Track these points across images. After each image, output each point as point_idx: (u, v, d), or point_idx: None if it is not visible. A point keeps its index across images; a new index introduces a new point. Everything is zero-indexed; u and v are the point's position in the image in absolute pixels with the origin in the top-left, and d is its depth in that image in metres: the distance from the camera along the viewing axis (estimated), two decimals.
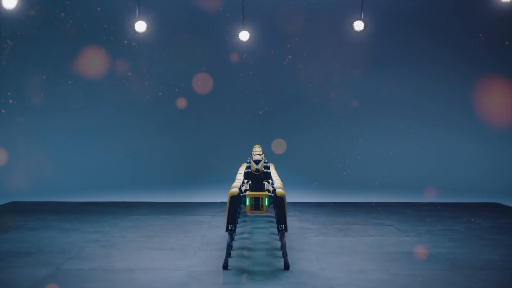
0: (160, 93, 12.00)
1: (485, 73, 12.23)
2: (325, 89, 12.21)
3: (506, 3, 9.74)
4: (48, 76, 11.95)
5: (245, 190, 6.15)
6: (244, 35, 11.00)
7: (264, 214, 8.78)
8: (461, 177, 11.80)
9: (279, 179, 7.50)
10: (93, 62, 12.08)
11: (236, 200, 5.99)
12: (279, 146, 11.09)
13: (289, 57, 12.23)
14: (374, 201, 10.21)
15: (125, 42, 11.73)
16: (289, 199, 8.78)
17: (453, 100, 12.24)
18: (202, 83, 12.03)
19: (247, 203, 5.95)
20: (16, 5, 8.76)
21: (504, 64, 12.21)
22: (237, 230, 7.54)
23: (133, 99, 12.15)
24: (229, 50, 11.95)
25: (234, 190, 6.06)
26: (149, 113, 12.18)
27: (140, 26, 10.49)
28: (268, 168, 6.60)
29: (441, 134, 12.22)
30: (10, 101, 11.91)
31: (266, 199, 5.96)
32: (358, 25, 10.74)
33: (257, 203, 5.95)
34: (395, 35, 12.23)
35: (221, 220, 8.25)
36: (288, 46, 12.13)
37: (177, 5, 12.03)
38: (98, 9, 11.69)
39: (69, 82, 11.99)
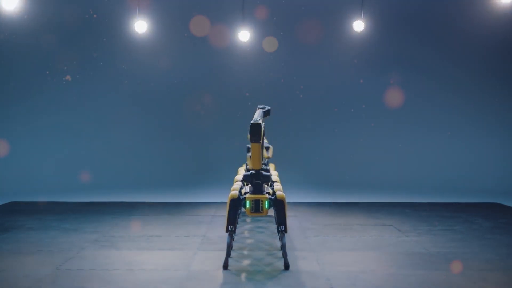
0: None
1: (485, 73, 12.24)
2: (324, 89, 12.21)
3: (506, 3, 9.76)
4: (48, 75, 11.95)
5: (245, 193, 6.15)
6: (244, 35, 11.00)
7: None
8: (461, 177, 11.80)
9: (279, 180, 7.51)
10: (93, 61, 12.08)
11: (236, 203, 5.99)
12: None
13: (291, 57, 12.24)
14: (374, 201, 10.20)
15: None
16: (289, 199, 8.78)
17: (454, 100, 12.24)
18: (203, 82, 12.04)
19: (247, 206, 5.96)
20: (16, 5, 8.78)
21: (504, 64, 12.22)
22: (237, 230, 7.54)
23: (134, 99, 12.15)
24: (229, 50, 11.95)
25: (234, 192, 6.06)
26: (149, 113, 12.19)
27: (140, 26, 10.50)
28: (268, 171, 6.61)
29: (441, 134, 12.23)
30: (12, 96, 11.91)
31: (266, 201, 5.97)
32: (358, 25, 10.75)
33: (257, 206, 5.97)
34: (395, 35, 12.23)
35: (221, 220, 8.25)
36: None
37: (176, 5, 12.04)
38: (95, 16, 11.71)
39: (70, 81, 11.99)
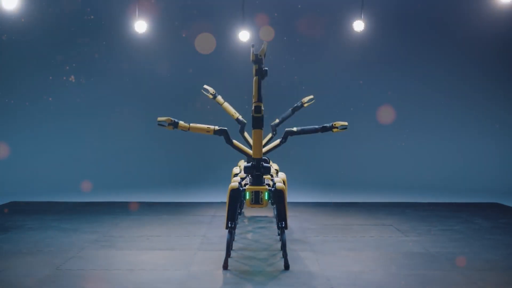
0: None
1: (486, 73, 12.24)
2: (324, 89, 12.21)
3: (507, 3, 9.76)
4: (48, 75, 11.95)
5: (245, 184, 6.15)
6: (244, 35, 11.00)
7: (264, 212, 8.82)
8: (461, 177, 11.79)
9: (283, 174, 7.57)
10: (94, 62, 12.09)
11: (236, 194, 5.99)
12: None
13: (292, 58, 12.24)
14: (374, 201, 10.18)
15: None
16: (289, 199, 8.78)
17: (454, 100, 12.25)
18: (203, 82, 12.03)
19: (247, 197, 5.96)
20: (16, 6, 8.78)
21: (505, 64, 12.22)
22: (237, 231, 7.54)
23: (133, 99, 12.15)
24: (228, 50, 11.95)
25: (234, 184, 6.06)
26: (149, 113, 12.18)
27: (140, 26, 10.50)
28: (267, 162, 6.60)
29: (441, 134, 12.23)
30: (12, 101, 11.92)
31: (266, 193, 5.96)
32: (358, 25, 10.74)
33: (257, 197, 5.96)
34: (395, 35, 12.24)
35: (221, 220, 8.25)
36: (285, 38, 12.10)
37: (176, 4, 12.05)
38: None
39: (70, 81, 12.00)
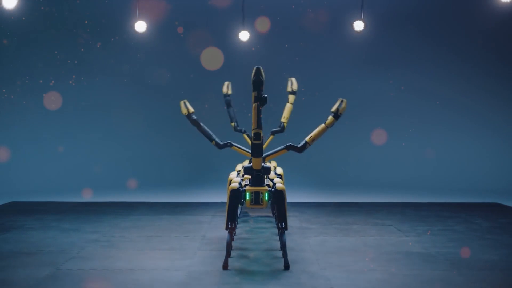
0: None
1: (485, 72, 12.24)
2: (324, 89, 12.22)
3: (506, 3, 9.76)
4: (48, 75, 11.96)
5: (245, 185, 6.16)
6: (244, 35, 11.00)
7: (264, 213, 8.82)
8: (461, 177, 11.80)
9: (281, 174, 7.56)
10: (94, 62, 12.10)
11: (237, 195, 6.00)
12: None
13: (295, 58, 12.24)
14: (374, 201, 10.18)
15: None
16: (289, 199, 8.78)
17: (453, 99, 12.25)
18: (205, 82, 12.04)
19: (247, 198, 5.98)
20: (16, 5, 8.78)
21: (505, 63, 12.22)
22: (237, 231, 7.54)
23: (133, 99, 12.15)
24: (228, 50, 11.95)
25: (234, 184, 6.07)
26: (149, 113, 12.19)
27: (140, 26, 10.50)
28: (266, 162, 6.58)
29: (441, 134, 12.23)
30: (12, 96, 11.92)
31: (266, 193, 5.98)
32: (358, 25, 10.74)
33: (257, 198, 5.98)
34: (395, 35, 12.24)
35: (221, 220, 8.25)
36: (286, 46, 12.15)
37: (176, 4, 12.05)
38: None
39: (70, 82, 12.01)
